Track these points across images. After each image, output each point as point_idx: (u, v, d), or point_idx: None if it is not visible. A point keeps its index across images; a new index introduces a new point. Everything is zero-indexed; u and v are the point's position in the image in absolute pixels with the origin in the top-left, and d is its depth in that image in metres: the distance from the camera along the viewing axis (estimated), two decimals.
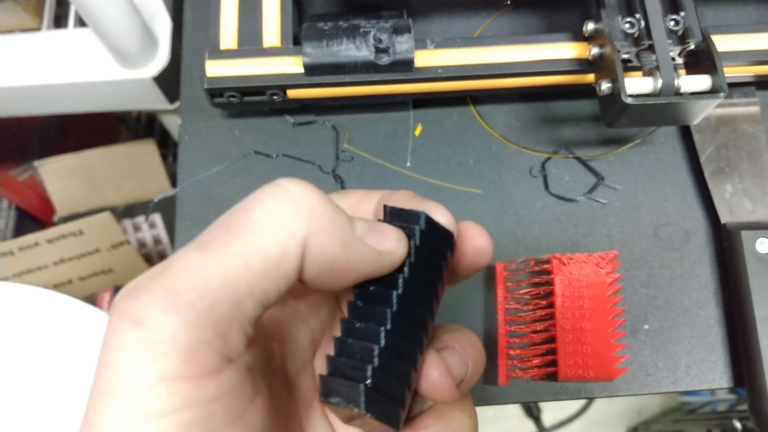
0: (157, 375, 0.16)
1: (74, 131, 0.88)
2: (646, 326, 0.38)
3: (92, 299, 0.74)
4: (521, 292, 0.37)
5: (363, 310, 0.22)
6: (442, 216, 0.22)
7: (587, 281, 0.36)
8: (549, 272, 0.36)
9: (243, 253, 0.18)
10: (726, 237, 0.38)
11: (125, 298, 0.17)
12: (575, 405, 1.12)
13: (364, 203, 0.24)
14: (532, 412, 1.09)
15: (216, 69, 0.37)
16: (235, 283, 0.17)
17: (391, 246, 0.21)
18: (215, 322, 0.17)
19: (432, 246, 0.22)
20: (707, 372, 0.37)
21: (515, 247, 0.40)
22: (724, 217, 0.39)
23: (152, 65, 0.53)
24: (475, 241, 0.24)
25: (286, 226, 0.18)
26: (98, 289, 0.79)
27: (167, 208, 0.83)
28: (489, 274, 0.39)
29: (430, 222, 0.22)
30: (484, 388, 0.37)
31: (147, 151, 0.83)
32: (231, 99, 0.38)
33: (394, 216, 0.22)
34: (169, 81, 0.54)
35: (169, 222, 0.85)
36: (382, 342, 0.21)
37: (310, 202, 0.19)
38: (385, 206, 0.23)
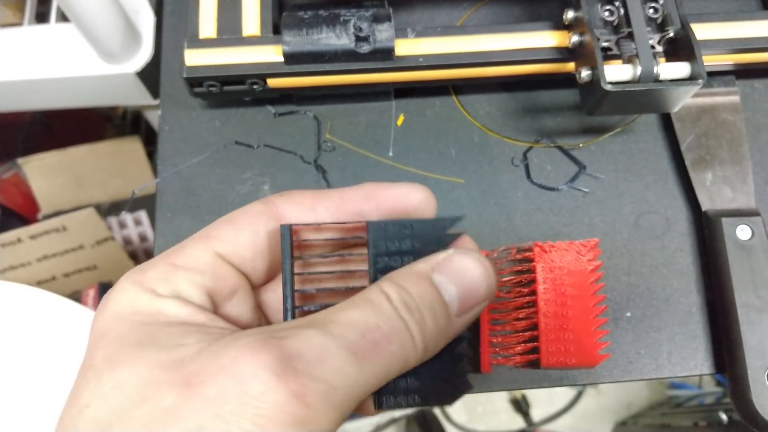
0: None
1: (59, 128, 0.87)
2: (628, 314, 0.38)
3: (76, 296, 0.73)
4: (503, 280, 0.37)
5: None
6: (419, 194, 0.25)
7: (569, 269, 0.36)
8: (531, 260, 0.36)
9: None
10: (707, 224, 0.39)
11: (284, 366, 0.18)
12: (564, 400, 1.12)
13: (319, 206, 0.25)
14: (521, 407, 1.10)
15: (195, 58, 0.37)
16: (363, 393, 0.20)
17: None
18: (343, 418, 0.20)
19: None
20: (689, 358, 0.37)
21: (497, 236, 0.40)
22: (705, 205, 0.39)
23: (135, 60, 0.53)
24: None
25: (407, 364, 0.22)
26: (82, 285, 0.79)
27: (153, 205, 0.82)
28: None
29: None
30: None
31: (132, 148, 0.83)
32: (211, 88, 0.38)
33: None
34: (152, 76, 0.54)
35: (155, 218, 0.85)
36: None
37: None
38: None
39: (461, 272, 0.23)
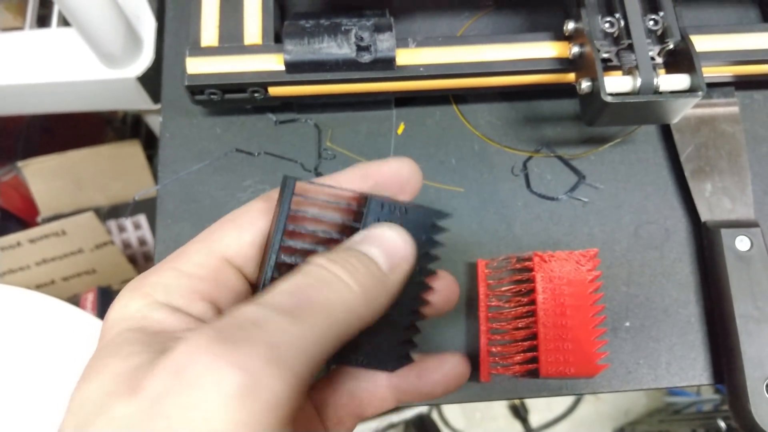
0: (244, 420, 0.17)
1: (59, 132, 0.87)
2: (627, 324, 0.38)
3: (75, 300, 0.73)
4: (503, 289, 0.37)
5: None
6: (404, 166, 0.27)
7: (568, 278, 0.36)
8: (530, 270, 0.36)
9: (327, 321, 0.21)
10: (706, 235, 0.39)
11: (219, 341, 0.18)
12: (562, 406, 1.12)
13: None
14: (519, 413, 1.10)
15: (196, 66, 0.37)
16: (314, 349, 0.20)
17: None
18: (300, 380, 0.19)
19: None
20: (687, 369, 0.38)
21: (497, 245, 0.40)
22: (704, 216, 0.39)
23: (136, 65, 0.53)
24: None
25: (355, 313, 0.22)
26: (81, 289, 0.79)
27: (152, 209, 0.82)
28: (471, 271, 0.39)
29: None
30: (467, 385, 0.37)
31: (132, 152, 0.83)
32: (212, 96, 0.38)
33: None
34: (153, 81, 0.54)
35: (154, 222, 0.85)
36: None
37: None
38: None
39: (380, 237, 0.24)
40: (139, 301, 0.22)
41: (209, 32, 0.38)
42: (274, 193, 0.25)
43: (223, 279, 0.24)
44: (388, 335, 0.25)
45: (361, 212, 0.25)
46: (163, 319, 0.22)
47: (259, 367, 0.18)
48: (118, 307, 0.22)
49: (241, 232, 0.24)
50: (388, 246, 0.24)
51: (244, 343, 0.18)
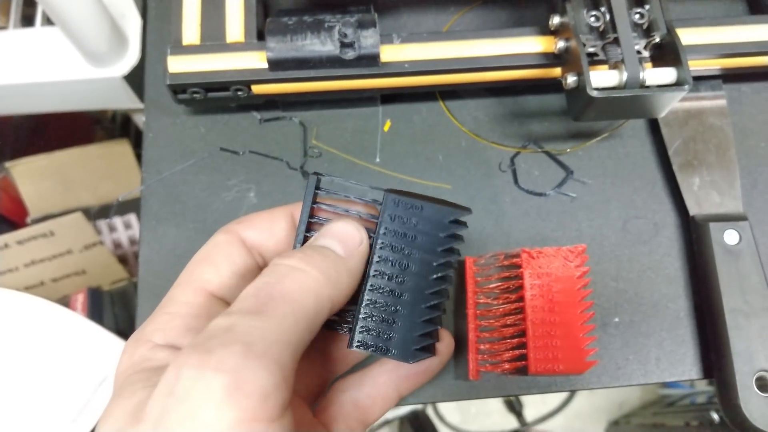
0: (238, 417, 0.18)
1: (48, 132, 0.87)
2: (616, 319, 0.38)
3: (65, 301, 0.73)
4: (491, 286, 0.37)
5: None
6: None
7: (556, 275, 0.36)
8: (518, 266, 0.36)
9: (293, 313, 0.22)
10: (694, 229, 0.39)
11: (197, 353, 0.19)
12: (557, 400, 1.13)
13: (275, 224, 0.28)
14: (514, 407, 1.10)
15: (178, 65, 0.37)
16: (289, 338, 0.21)
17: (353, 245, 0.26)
18: (282, 368, 0.20)
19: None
20: (677, 364, 0.37)
21: (485, 242, 0.39)
22: (693, 210, 0.39)
23: (122, 64, 0.52)
24: None
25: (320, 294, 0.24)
26: (71, 290, 0.78)
27: None
28: (459, 269, 0.39)
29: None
30: (455, 384, 0.37)
31: (121, 151, 0.82)
32: (194, 95, 0.37)
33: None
34: (140, 80, 0.53)
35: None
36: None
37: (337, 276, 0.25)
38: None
39: (333, 229, 0.26)
40: (142, 348, 0.24)
41: (191, 30, 0.37)
42: (233, 225, 0.28)
43: (212, 311, 0.25)
44: (408, 328, 0.27)
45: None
46: (164, 357, 0.23)
47: (238, 365, 0.19)
48: (124, 359, 0.24)
49: (216, 266, 0.26)
50: (341, 235, 0.26)
51: (219, 348, 0.19)
